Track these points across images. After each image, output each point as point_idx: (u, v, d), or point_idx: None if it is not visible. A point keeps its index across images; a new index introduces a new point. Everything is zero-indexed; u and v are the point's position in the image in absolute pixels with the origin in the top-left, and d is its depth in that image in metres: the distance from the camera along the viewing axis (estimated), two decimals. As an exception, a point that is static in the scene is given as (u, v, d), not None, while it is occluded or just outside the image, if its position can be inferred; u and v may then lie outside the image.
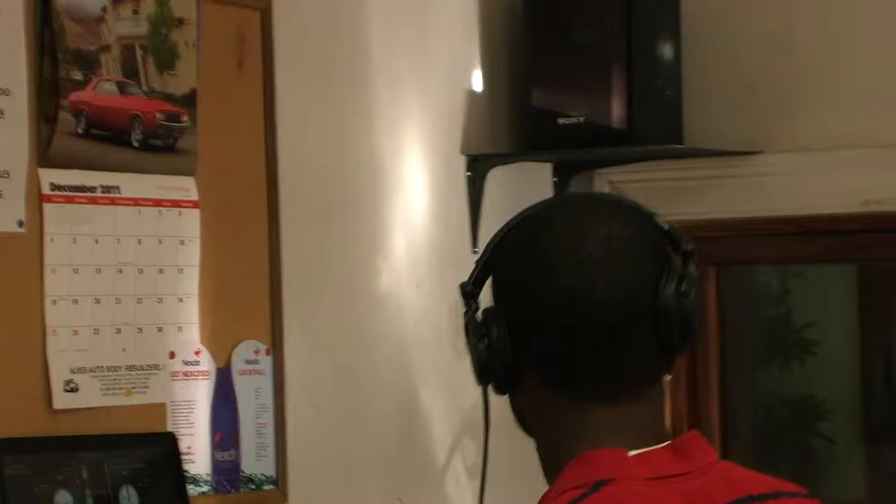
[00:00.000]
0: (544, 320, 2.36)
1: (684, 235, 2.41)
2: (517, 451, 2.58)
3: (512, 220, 2.42)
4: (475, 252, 4.84)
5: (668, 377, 2.41)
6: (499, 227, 2.58)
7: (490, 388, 2.44)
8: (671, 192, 4.72)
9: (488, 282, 2.41)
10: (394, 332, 4.87)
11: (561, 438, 2.37)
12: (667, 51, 5.15)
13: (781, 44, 5.34)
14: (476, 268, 2.38)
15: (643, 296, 2.34)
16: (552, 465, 2.34)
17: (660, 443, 2.33)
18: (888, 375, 6.14)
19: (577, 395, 2.35)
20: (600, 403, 2.37)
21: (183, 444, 4.07)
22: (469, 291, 2.42)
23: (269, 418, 4.37)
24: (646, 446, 2.33)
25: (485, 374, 2.39)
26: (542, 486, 2.46)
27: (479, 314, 2.41)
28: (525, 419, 2.44)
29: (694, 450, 2.32)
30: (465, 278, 2.43)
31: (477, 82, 5.12)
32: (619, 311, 2.34)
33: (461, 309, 2.43)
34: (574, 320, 2.32)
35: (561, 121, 5.00)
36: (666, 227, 2.36)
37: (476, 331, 2.37)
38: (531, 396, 2.41)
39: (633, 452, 2.32)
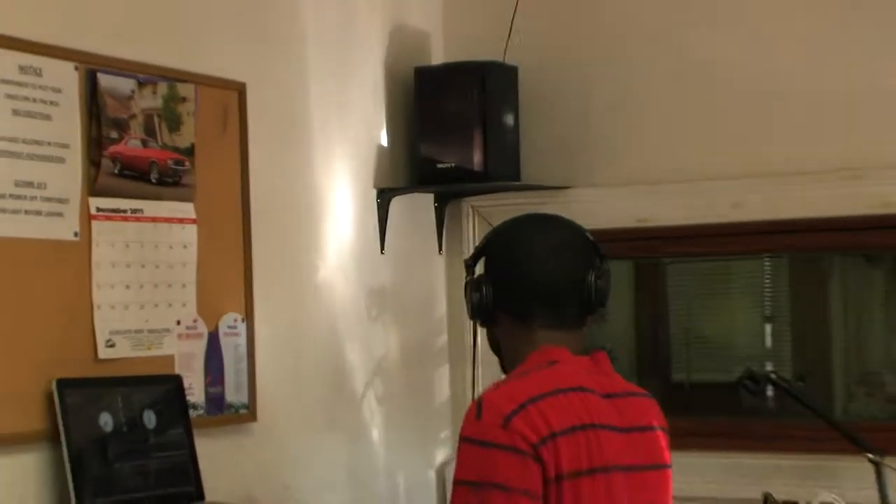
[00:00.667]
0: (515, 285, 3.15)
1: (601, 244, 3.19)
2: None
3: (495, 227, 3.30)
4: (383, 254, 5.29)
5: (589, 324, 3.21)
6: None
7: (478, 320, 3.25)
8: (511, 213, 4.83)
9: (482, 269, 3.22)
10: (328, 306, 5.21)
11: (522, 348, 3.11)
12: (509, 118, 5.43)
13: (582, 115, 5.55)
14: (473, 253, 3.28)
15: (577, 277, 3.12)
16: (514, 364, 3.08)
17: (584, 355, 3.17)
18: (655, 334, 6.73)
19: (534, 325, 3.12)
20: (547, 330, 3.11)
21: (186, 383, 4.45)
22: (468, 265, 3.25)
23: (244, 365, 4.74)
24: (577, 352, 3.14)
25: (476, 313, 3.16)
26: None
27: (473, 279, 3.21)
28: (496, 343, 3.23)
29: (601, 360, 3.08)
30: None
31: (383, 138, 5.49)
32: (561, 284, 3.13)
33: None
34: (535, 287, 3.12)
35: (439, 165, 5.32)
36: (592, 238, 3.18)
37: (473, 288, 3.18)
38: (503, 328, 3.18)
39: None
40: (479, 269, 3.24)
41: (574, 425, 2.89)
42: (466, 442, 2.90)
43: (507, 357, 3.19)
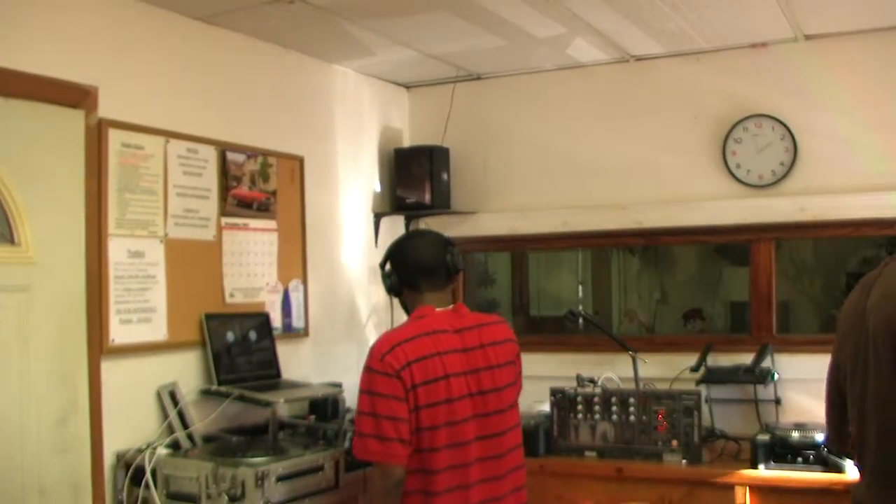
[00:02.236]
0: (409, 267, 3.37)
1: (454, 243, 3.45)
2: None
3: (396, 239, 3.48)
4: (376, 247, 5.32)
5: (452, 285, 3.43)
6: (388, 243, 3.54)
7: (392, 295, 3.47)
8: (445, 227, 5.07)
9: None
10: (347, 276, 5.22)
11: (413, 307, 3.36)
12: (444, 175, 5.38)
13: (482, 172, 5.54)
14: (384, 257, 3.44)
15: (443, 258, 3.35)
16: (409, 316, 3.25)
17: (450, 305, 3.38)
18: (521, 291, 6.89)
19: (422, 290, 3.34)
20: (428, 293, 3.35)
21: (271, 317, 4.61)
22: (382, 265, 3.45)
23: (302, 307, 4.85)
24: (445, 307, 3.34)
25: (390, 291, 3.45)
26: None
27: (387, 269, 3.41)
28: (404, 304, 3.44)
29: (459, 308, 3.37)
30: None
31: (377, 186, 5.46)
32: (436, 262, 3.35)
33: (379, 270, 3.38)
34: (420, 268, 3.34)
35: (407, 200, 5.33)
36: (446, 237, 3.39)
37: (386, 276, 3.42)
38: (405, 296, 3.39)
39: (439, 308, 3.32)
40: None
41: (423, 355, 3.13)
42: (364, 368, 3.15)
43: (409, 312, 3.41)
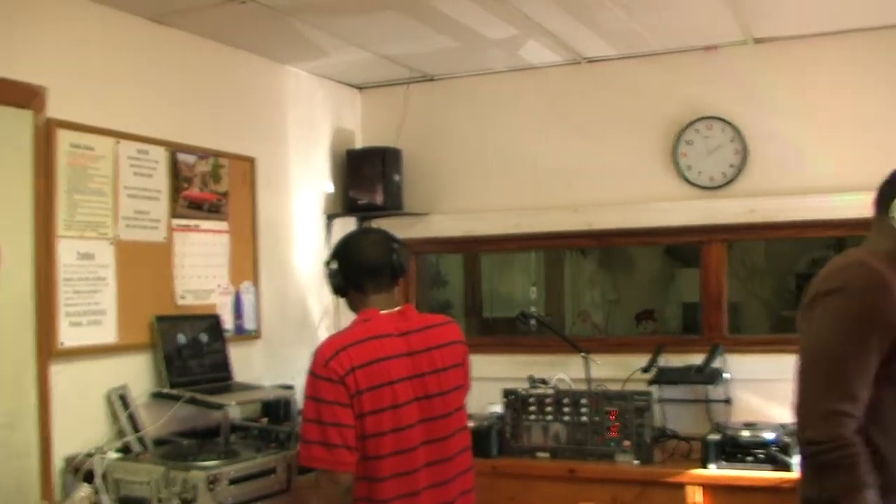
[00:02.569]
0: (354, 268, 3.28)
1: (402, 243, 3.36)
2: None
3: (342, 237, 3.42)
4: (328, 249, 4.74)
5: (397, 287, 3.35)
6: (336, 239, 3.52)
7: (337, 295, 3.40)
8: (397, 228, 4.77)
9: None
10: (299, 277, 5.18)
11: (358, 309, 3.21)
12: (396, 177, 5.36)
13: (435, 174, 5.53)
14: (330, 255, 3.37)
15: (389, 259, 3.28)
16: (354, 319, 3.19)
17: (396, 307, 3.30)
18: (474, 292, 6.99)
19: (367, 291, 3.27)
20: (373, 295, 3.27)
21: (222, 319, 4.56)
22: (327, 263, 3.37)
23: (254, 309, 4.80)
24: (390, 309, 3.26)
25: (335, 291, 3.38)
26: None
27: (332, 268, 3.32)
28: (350, 305, 3.36)
29: (406, 310, 3.26)
30: (324, 258, 3.35)
31: (330, 187, 5.45)
32: (381, 263, 3.27)
33: (325, 269, 3.33)
34: (365, 268, 3.27)
35: (359, 202, 5.31)
36: (393, 236, 3.38)
37: (330, 275, 3.34)
38: (351, 296, 3.30)
39: (383, 311, 3.25)
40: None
41: (368, 360, 3.06)
42: (308, 373, 3.08)
43: (356, 311, 3.32)
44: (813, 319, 2.52)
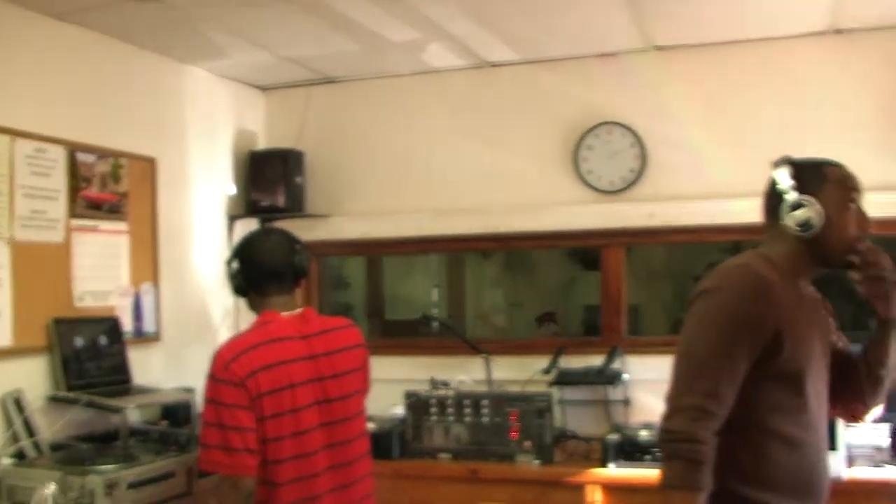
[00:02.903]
0: (254, 270, 3.23)
1: (303, 244, 3.33)
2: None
3: (244, 237, 3.38)
4: (230, 250, 5.10)
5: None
6: (239, 240, 3.47)
7: (238, 295, 3.32)
8: (298, 229, 4.28)
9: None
10: (200, 278, 5.14)
11: (259, 311, 3.17)
12: (298, 179, 5.35)
13: (336, 176, 5.51)
14: (231, 255, 3.31)
15: (290, 261, 3.24)
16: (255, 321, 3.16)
17: (297, 310, 3.25)
18: (376, 294, 7.11)
19: (267, 294, 3.22)
20: (274, 297, 3.22)
21: (121, 321, 4.49)
22: (228, 263, 3.30)
23: (153, 313, 4.75)
24: (291, 311, 3.22)
25: (236, 292, 3.33)
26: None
27: (233, 268, 3.27)
28: (251, 306, 3.30)
29: (307, 313, 3.23)
30: (227, 261, 3.22)
31: (233, 189, 5.41)
32: (283, 265, 3.23)
33: (226, 268, 3.28)
34: (267, 270, 3.22)
35: (261, 203, 5.29)
36: (294, 236, 3.28)
37: (231, 275, 3.28)
38: (252, 298, 3.24)
39: (284, 314, 3.20)
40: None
41: (269, 363, 3.01)
42: (208, 377, 3.02)
43: (256, 314, 3.27)
44: (691, 315, 2.54)
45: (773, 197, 2.66)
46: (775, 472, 2.50)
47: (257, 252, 3.30)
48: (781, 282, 2.53)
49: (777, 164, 2.68)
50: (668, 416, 2.47)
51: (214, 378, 3.02)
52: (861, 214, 2.67)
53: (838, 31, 4.76)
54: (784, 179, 2.62)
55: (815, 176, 2.64)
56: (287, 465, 3.06)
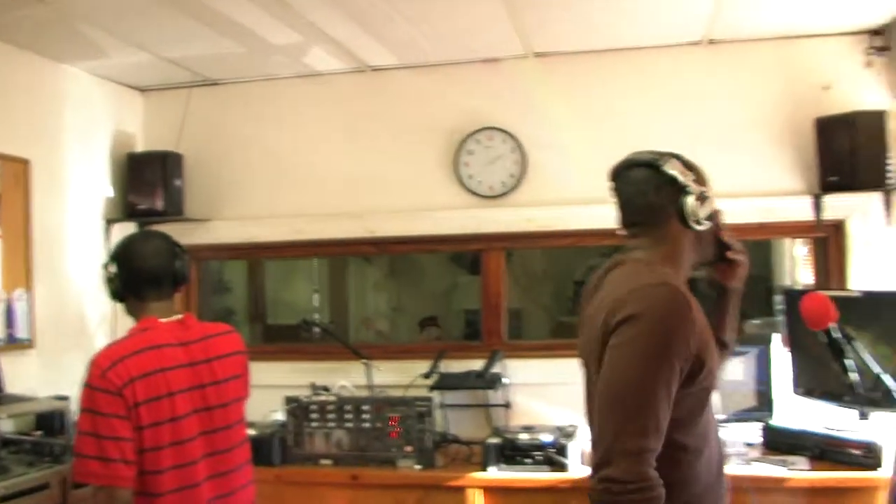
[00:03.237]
0: (133, 275, 3.13)
1: (184, 248, 3.26)
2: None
3: (122, 240, 3.27)
4: (107, 254, 5.14)
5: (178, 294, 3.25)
6: (117, 243, 3.42)
7: (115, 300, 3.21)
8: (178, 233, 4.58)
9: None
10: (75, 283, 5.01)
11: (137, 317, 3.10)
12: (178, 181, 5.27)
13: (216, 179, 5.45)
14: (109, 258, 3.19)
15: (171, 266, 3.17)
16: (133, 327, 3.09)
17: (176, 316, 3.17)
18: (257, 298, 7.08)
19: (146, 299, 3.14)
20: (153, 303, 3.13)
21: None
22: (105, 266, 3.19)
23: (26, 319, 4.62)
24: (171, 317, 3.16)
25: (113, 297, 3.19)
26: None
27: (110, 273, 3.16)
28: (129, 311, 3.20)
29: (186, 319, 3.17)
30: (104, 264, 3.13)
31: (110, 192, 5.28)
32: (162, 271, 3.16)
33: (102, 272, 3.18)
34: (146, 275, 3.14)
35: (139, 206, 5.19)
36: (175, 241, 3.21)
37: (108, 280, 3.18)
38: (130, 303, 3.16)
39: (163, 320, 3.11)
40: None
41: (147, 371, 2.93)
42: (83, 385, 2.93)
43: (135, 319, 3.19)
44: (618, 346, 2.36)
45: (664, 193, 2.57)
46: (688, 486, 2.45)
47: (136, 256, 3.21)
48: (690, 293, 2.45)
49: (659, 158, 2.60)
50: (608, 461, 2.26)
51: (90, 386, 2.93)
52: (713, 205, 2.66)
53: (712, 42, 4.91)
54: (683, 172, 2.56)
55: (694, 169, 2.62)
56: (167, 475, 2.99)
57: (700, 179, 2.59)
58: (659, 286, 2.39)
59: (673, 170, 2.55)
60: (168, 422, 3.00)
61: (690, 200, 2.53)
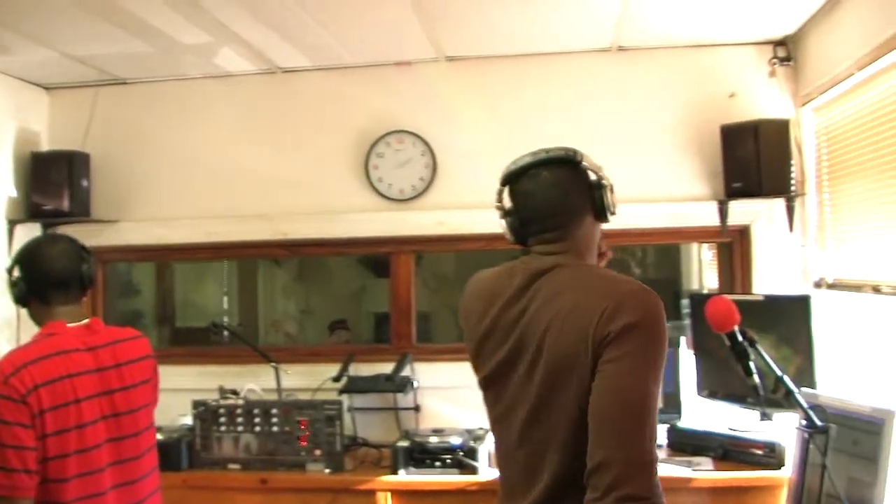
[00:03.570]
0: (39, 279, 3.10)
1: (90, 252, 3.22)
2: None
3: (27, 243, 3.21)
4: (12, 256, 5.03)
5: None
6: (17, 244, 3.40)
7: (19, 305, 3.16)
8: (84, 234, 4.41)
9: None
10: None
11: (43, 320, 3.05)
12: (84, 181, 5.16)
13: (126, 180, 5.35)
14: (13, 261, 3.15)
15: (78, 269, 3.14)
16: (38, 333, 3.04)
17: (83, 321, 3.13)
18: (165, 301, 6.99)
19: (51, 304, 3.09)
20: (59, 307, 3.09)
21: None
22: (8, 270, 3.17)
23: None
24: (77, 322, 3.12)
25: (17, 300, 3.14)
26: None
27: (14, 276, 3.14)
28: (33, 317, 3.17)
29: (93, 324, 3.14)
30: (7, 268, 3.11)
31: (13, 191, 5.13)
32: (68, 275, 3.12)
33: (6, 276, 3.14)
34: (51, 281, 3.09)
35: (44, 207, 5.03)
36: (82, 244, 3.20)
37: (12, 284, 3.15)
38: (34, 308, 3.11)
39: (70, 324, 3.06)
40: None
41: (53, 378, 2.89)
42: None
43: (39, 324, 3.15)
44: (627, 356, 2.24)
45: (584, 188, 2.54)
46: None
47: (42, 259, 3.16)
48: None
49: (574, 154, 2.54)
50: (626, 478, 2.15)
51: None
52: None
53: (622, 49, 5.00)
54: (595, 165, 2.54)
55: (592, 163, 2.57)
56: (72, 483, 2.93)
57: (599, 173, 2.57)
58: (647, 292, 2.32)
59: (588, 167, 2.53)
60: (74, 429, 2.94)
61: (605, 193, 2.52)
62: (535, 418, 2.42)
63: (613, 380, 2.23)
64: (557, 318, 2.38)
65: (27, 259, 3.18)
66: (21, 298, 3.18)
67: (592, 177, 2.52)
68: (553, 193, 2.54)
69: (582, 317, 2.32)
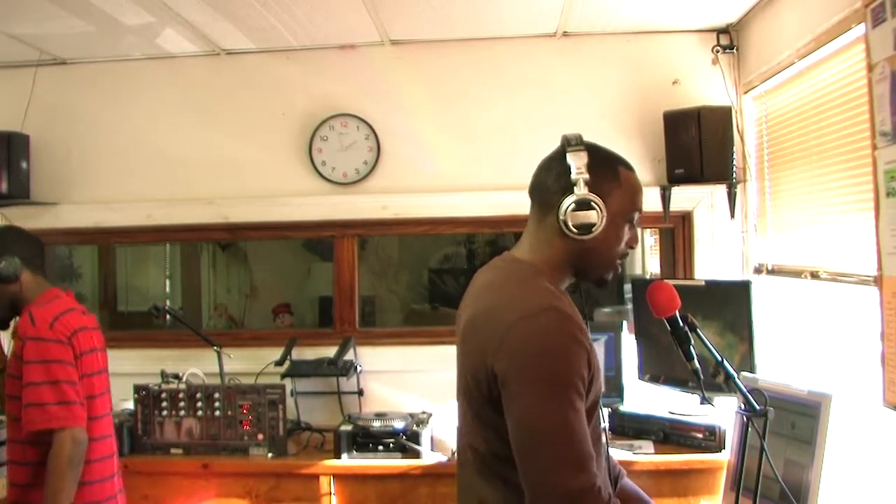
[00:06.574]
0: (29, 250, 3.41)
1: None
2: None
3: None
4: None
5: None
6: None
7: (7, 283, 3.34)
8: (25, 218, 4.92)
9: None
10: None
11: (38, 290, 3.34)
12: (23, 163, 5.04)
13: (66, 162, 5.24)
14: None
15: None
16: (28, 300, 3.35)
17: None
18: (107, 284, 6.89)
19: (39, 273, 3.42)
20: (42, 277, 3.46)
21: None
22: None
23: None
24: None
25: (7, 279, 3.32)
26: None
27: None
28: (24, 292, 3.40)
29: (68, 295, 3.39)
30: None
31: None
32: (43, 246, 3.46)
33: None
34: (38, 249, 3.46)
35: None
36: (36, 239, 3.40)
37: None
38: (23, 281, 3.35)
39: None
40: None
41: (81, 327, 3.38)
42: (29, 340, 3.18)
43: (25, 297, 3.41)
44: (516, 398, 2.13)
45: (558, 182, 2.33)
46: None
47: (21, 233, 3.59)
48: (574, 310, 2.26)
49: (572, 142, 2.36)
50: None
51: (40, 339, 3.21)
52: (634, 232, 2.44)
53: (566, 34, 5.01)
54: (580, 168, 2.30)
55: (609, 174, 2.35)
56: (101, 421, 3.40)
57: (599, 183, 2.32)
58: (533, 318, 2.14)
59: (576, 159, 2.31)
60: (97, 373, 3.42)
61: (567, 200, 2.29)
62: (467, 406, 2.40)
63: (522, 415, 2.12)
64: (470, 324, 2.33)
65: (9, 238, 3.48)
66: (13, 275, 3.38)
67: (575, 176, 2.31)
68: (541, 165, 2.44)
69: (480, 333, 2.26)
